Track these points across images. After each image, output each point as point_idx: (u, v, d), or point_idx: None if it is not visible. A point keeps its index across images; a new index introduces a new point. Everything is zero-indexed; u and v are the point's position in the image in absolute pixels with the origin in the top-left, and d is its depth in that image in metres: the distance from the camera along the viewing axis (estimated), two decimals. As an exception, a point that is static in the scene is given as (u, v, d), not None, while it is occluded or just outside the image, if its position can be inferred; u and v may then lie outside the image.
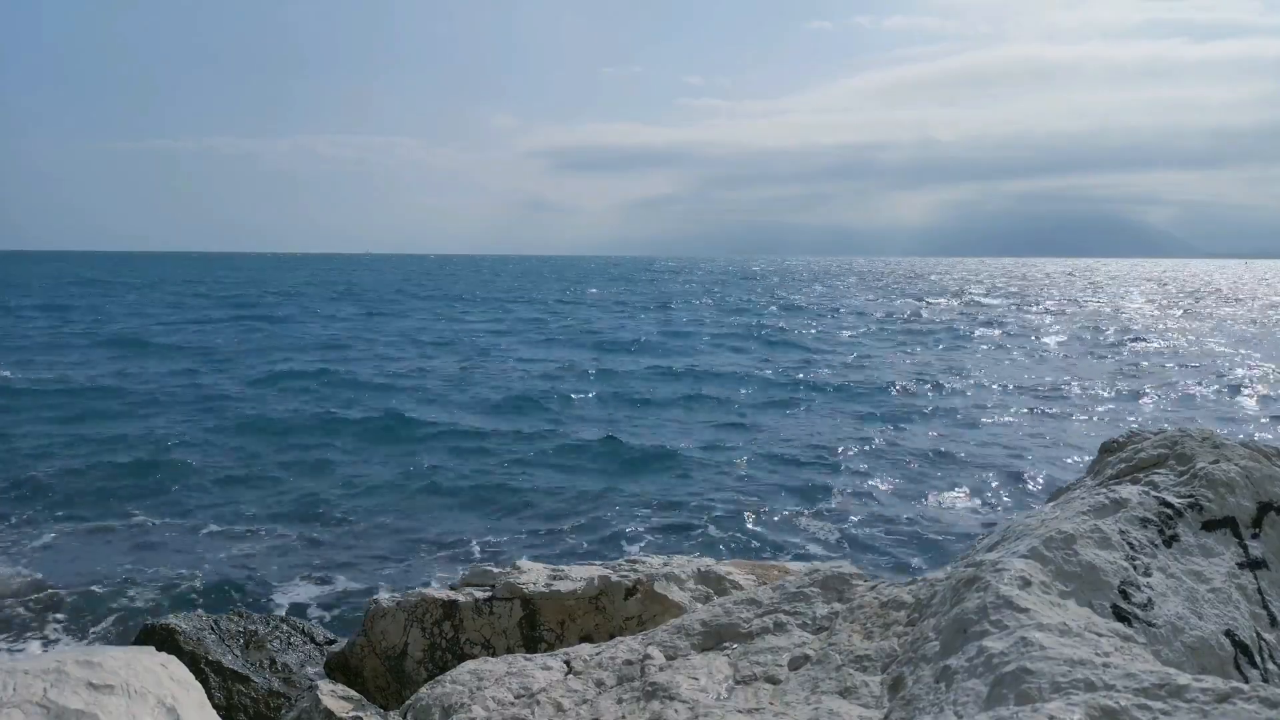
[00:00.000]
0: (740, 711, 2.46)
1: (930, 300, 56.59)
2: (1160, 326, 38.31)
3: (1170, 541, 2.81)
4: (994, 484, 12.41)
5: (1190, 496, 2.98)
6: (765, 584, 3.52)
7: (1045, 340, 32.28)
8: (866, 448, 14.46)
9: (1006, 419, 16.90)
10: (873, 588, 2.97)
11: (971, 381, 21.62)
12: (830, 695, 2.44)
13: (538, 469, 12.93)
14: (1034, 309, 48.68)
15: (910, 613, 2.70)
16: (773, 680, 2.61)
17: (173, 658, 2.82)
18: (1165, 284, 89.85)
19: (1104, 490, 3.08)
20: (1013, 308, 49.62)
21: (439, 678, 3.12)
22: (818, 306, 50.61)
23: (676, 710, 2.52)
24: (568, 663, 3.03)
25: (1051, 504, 3.36)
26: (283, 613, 7.09)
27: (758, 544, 9.84)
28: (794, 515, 10.91)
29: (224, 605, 7.44)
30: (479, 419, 16.63)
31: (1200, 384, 21.41)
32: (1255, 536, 2.93)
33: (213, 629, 5.21)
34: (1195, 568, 2.76)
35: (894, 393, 19.74)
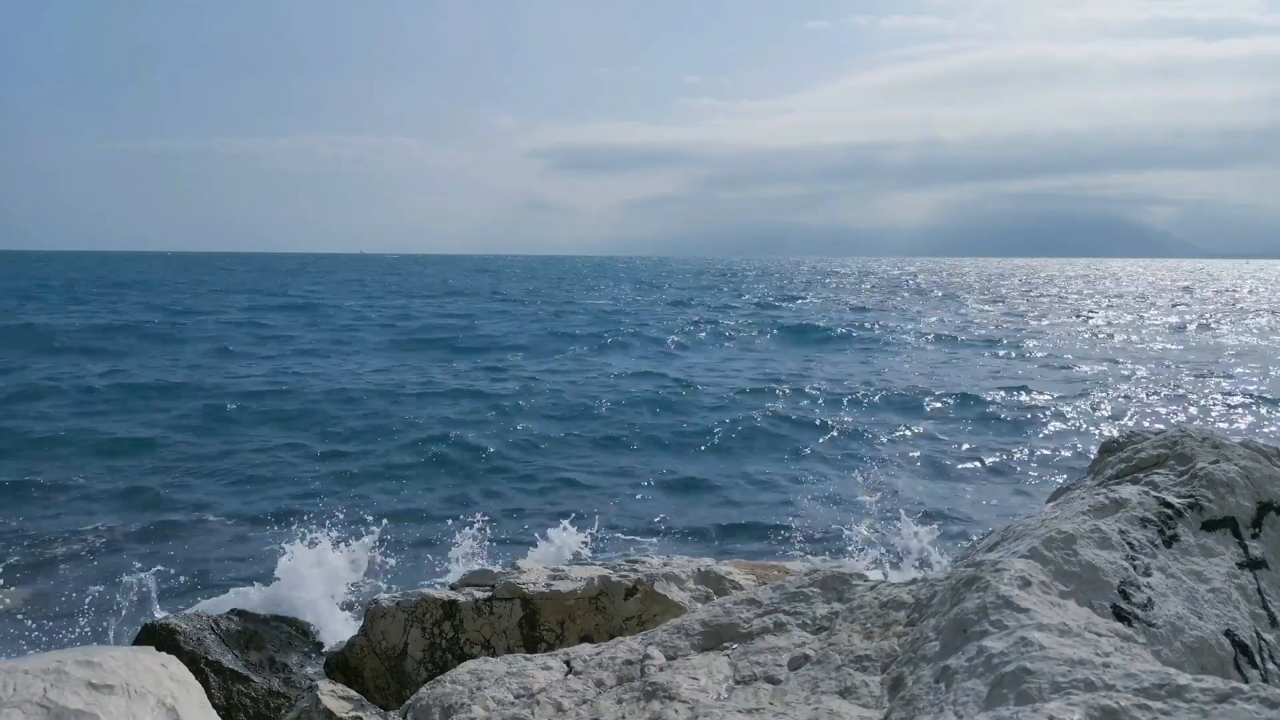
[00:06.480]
0: (740, 711, 2.46)
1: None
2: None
3: (1170, 541, 2.81)
4: (999, 485, 12.42)
5: (1190, 496, 2.98)
6: (765, 584, 3.52)
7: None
8: (870, 447, 14.46)
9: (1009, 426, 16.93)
10: (873, 588, 2.97)
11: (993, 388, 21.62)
12: (830, 695, 2.44)
13: (540, 468, 12.93)
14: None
15: (910, 613, 2.70)
16: (773, 680, 2.61)
17: (173, 658, 2.82)
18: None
19: (1104, 490, 3.08)
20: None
21: (439, 678, 3.12)
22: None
23: (676, 710, 2.52)
24: (568, 663, 3.03)
25: (1051, 504, 3.37)
26: (283, 613, 7.08)
27: (758, 544, 9.84)
28: (794, 515, 10.91)
29: (224, 605, 7.43)
30: (486, 418, 16.64)
31: None
32: (1255, 536, 2.93)
33: (213, 629, 5.22)
34: (1195, 568, 2.76)
35: (912, 393, 19.76)
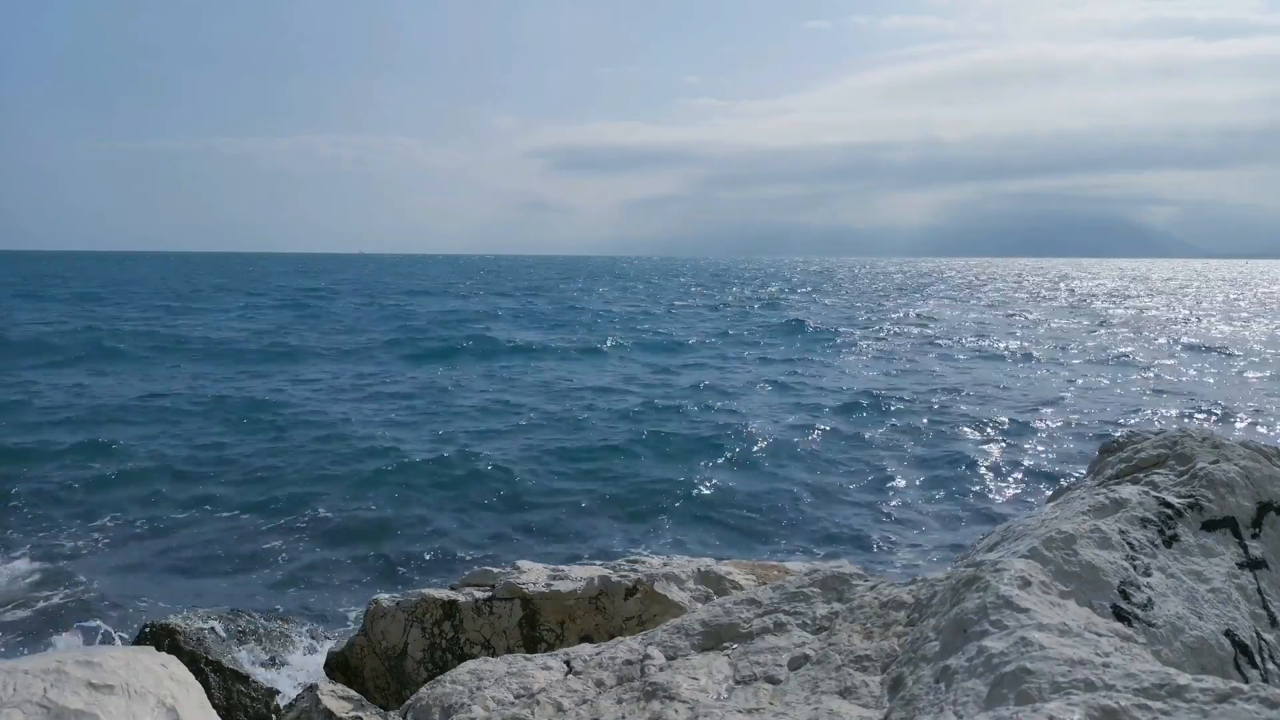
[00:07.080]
0: (740, 711, 2.46)
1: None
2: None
3: (1170, 541, 2.81)
4: (999, 485, 12.41)
5: (1190, 496, 2.98)
6: (765, 584, 3.52)
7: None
8: (870, 447, 14.46)
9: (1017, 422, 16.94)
10: (873, 588, 2.97)
11: (989, 390, 21.63)
12: (830, 695, 2.44)
13: (540, 468, 12.92)
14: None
15: (910, 613, 2.70)
16: (773, 680, 2.61)
17: (173, 658, 2.81)
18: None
19: (1104, 490, 3.08)
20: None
21: (439, 678, 3.12)
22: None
23: (676, 710, 2.52)
24: (568, 663, 3.03)
25: (1051, 504, 3.37)
26: (283, 613, 7.08)
27: (758, 544, 9.84)
28: (794, 515, 10.91)
29: (224, 605, 7.44)
30: (486, 417, 16.64)
31: None
32: (1255, 536, 2.93)
33: (213, 629, 5.22)
34: (1195, 568, 2.76)
35: (908, 395, 19.77)
